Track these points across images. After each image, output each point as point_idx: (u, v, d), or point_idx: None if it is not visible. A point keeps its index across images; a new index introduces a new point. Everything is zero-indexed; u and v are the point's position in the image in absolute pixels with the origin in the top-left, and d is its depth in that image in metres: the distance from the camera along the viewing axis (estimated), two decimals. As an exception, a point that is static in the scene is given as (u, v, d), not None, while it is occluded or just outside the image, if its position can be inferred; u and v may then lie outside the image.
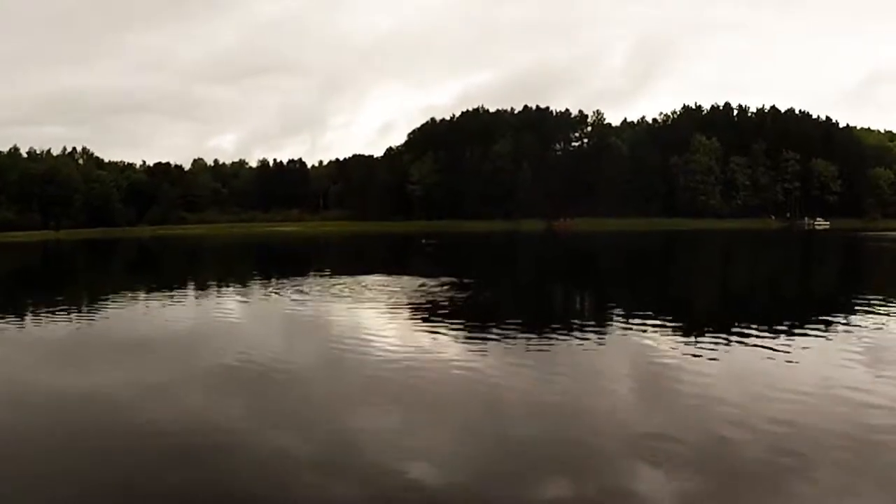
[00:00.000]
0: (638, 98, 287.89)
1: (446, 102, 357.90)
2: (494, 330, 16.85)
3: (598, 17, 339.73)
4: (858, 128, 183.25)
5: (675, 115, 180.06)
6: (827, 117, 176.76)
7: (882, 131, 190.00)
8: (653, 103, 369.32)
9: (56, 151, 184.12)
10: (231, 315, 21.26)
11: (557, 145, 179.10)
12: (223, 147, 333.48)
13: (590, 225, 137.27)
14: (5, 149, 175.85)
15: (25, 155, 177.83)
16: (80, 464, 8.33)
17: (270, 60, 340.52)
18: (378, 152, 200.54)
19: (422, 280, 27.93)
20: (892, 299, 21.71)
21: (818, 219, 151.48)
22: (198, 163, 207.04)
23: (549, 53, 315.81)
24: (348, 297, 23.90)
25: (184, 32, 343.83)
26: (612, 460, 8.34)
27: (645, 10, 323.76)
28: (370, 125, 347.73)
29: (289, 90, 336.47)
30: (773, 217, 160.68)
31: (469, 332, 17.08)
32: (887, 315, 18.61)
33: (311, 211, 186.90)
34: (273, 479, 7.74)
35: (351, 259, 55.71)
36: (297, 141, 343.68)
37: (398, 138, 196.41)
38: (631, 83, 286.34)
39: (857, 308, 20.12)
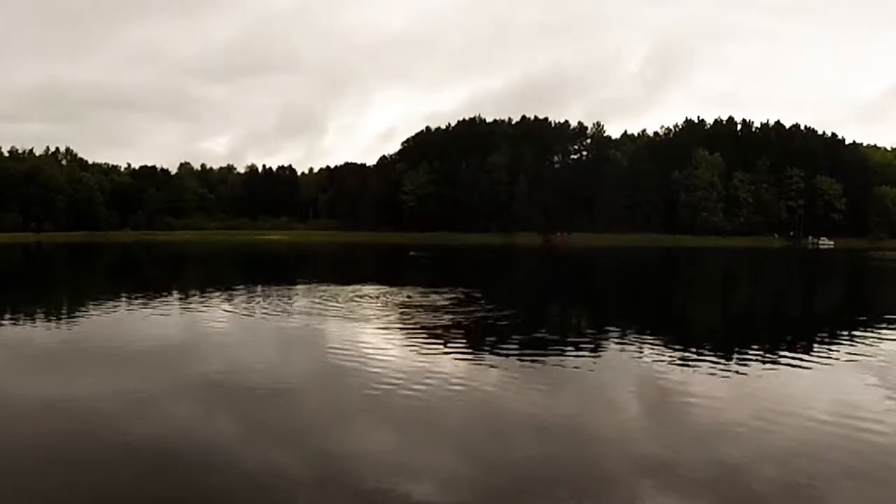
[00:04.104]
0: (649, 107, 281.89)
1: (452, 108, 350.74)
2: (493, 346, 16.56)
3: (612, 24, 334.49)
4: (865, 145, 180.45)
5: (677, 129, 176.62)
6: (833, 133, 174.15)
7: (889, 148, 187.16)
8: (663, 112, 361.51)
9: (39, 150, 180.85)
10: (218, 326, 20.46)
11: (556, 157, 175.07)
12: (215, 150, 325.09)
13: (587, 240, 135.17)
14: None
15: (7, 154, 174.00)
16: (62, 476, 8.09)
17: (268, 59, 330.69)
18: (373, 160, 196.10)
19: (416, 293, 27.61)
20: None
21: (822, 238, 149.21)
22: (184, 167, 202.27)
23: (562, 58, 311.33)
24: (340, 309, 23.28)
25: (177, 26, 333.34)
26: (617, 483, 8.14)
27: (660, 14, 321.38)
28: (372, 130, 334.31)
29: (287, 91, 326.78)
30: (777, 235, 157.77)
31: (468, 348, 16.59)
32: (894, 337, 18.70)
33: (301, 219, 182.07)
34: (264, 498, 7.57)
35: (341, 270, 55.49)
36: (294, 145, 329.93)
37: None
38: (643, 91, 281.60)
39: (862, 329, 19.99)
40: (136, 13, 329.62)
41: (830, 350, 16.45)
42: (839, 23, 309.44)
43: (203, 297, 28.28)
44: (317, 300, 25.59)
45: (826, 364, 14.84)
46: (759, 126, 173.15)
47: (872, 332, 19.46)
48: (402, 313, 21.98)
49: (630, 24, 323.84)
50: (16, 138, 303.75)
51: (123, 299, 27.75)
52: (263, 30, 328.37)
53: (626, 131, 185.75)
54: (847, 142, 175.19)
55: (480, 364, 14.51)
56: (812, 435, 9.66)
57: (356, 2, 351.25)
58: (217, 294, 29.03)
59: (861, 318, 23.49)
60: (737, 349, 16.68)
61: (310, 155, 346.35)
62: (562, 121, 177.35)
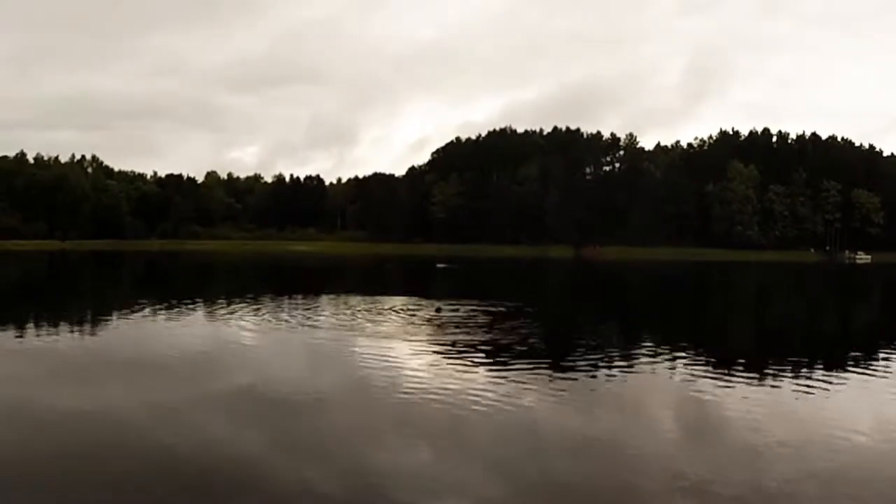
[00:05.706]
0: (683, 118, 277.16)
1: (485, 119, 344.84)
2: (527, 362, 16.24)
3: (647, 35, 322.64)
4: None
5: (712, 141, 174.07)
6: (870, 145, 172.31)
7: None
8: (698, 124, 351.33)
9: (65, 157, 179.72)
10: (245, 338, 20.10)
11: (588, 169, 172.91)
12: (244, 159, 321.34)
13: (621, 254, 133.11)
14: (12, 153, 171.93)
15: (33, 161, 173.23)
16: (88, 490, 8.05)
17: (297, 69, 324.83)
18: (402, 171, 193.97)
19: (447, 306, 26.77)
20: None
21: (859, 252, 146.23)
22: (211, 176, 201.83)
23: (596, 70, 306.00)
24: (368, 321, 22.99)
25: (204, 36, 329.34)
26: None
27: (696, 25, 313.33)
28: (402, 141, 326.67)
29: (315, 101, 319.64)
30: (813, 250, 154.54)
31: (501, 363, 16.17)
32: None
33: (328, 230, 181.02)
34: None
35: (369, 281, 55.03)
36: (324, 156, 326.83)
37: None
38: (678, 102, 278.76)
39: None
40: (163, 23, 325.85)
41: (867, 368, 16.31)
42: (877, 33, 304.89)
43: (230, 307, 27.73)
44: (345, 312, 25.45)
45: (864, 382, 14.77)
46: (794, 138, 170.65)
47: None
48: (432, 327, 21.72)
49: (665, 36, 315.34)
50: (42, 146, 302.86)
51: (149, 309, 27.11)
52: (292, 40, 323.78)
53: (659, 143, 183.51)
54: (885, 154, 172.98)
55: (514, 380, 14.18)
56: (853, 454, 9.53)
57: (386, 12, 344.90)
58: (244, 305, 28.42)
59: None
60: (773, 366, 16.45)
61: (339, 165, 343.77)
62: (594, 132, 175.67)
